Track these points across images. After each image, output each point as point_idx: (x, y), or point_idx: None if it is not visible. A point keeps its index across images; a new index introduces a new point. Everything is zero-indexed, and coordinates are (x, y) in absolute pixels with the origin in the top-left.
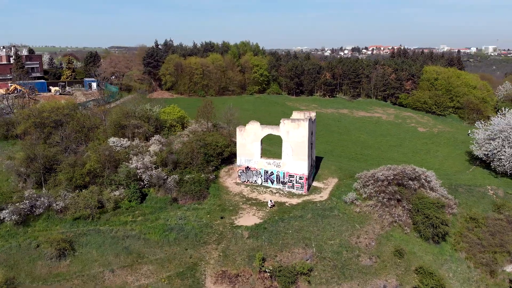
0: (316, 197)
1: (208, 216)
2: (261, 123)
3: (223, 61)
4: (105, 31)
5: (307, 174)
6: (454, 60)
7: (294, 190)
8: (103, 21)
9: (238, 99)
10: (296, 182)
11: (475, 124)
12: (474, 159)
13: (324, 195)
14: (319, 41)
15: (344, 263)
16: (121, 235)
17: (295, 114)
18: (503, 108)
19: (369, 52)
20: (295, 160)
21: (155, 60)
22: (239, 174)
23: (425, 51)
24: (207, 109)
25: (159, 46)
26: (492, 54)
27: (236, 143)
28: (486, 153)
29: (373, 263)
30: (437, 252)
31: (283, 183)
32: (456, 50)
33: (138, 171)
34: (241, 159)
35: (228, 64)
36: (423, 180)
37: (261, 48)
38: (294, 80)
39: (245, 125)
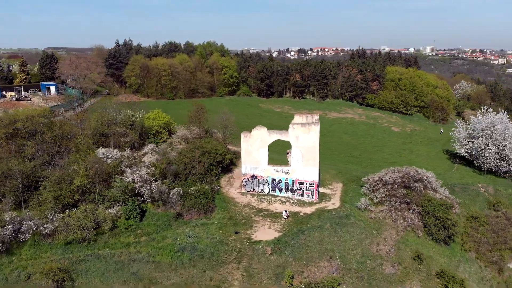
0: (328, 205)
1: (221, 231)
2: (241, 126)
3: (191, 62)
4: (37, 31)
5: (317, 181)
6: (411, 61)
7: (304, 198)
8: (36, 21)
9: (209, 102)
10: (306, 190)
11: (455, 123)
12: (454, 157)
13: (336, 202)
14: (265, 42)
15: (369, 273)
16: (126, 259)
17: (297, 118)
18: (481, 108)
19: (314, 54)
20: (305, 166)
21: (118, 61)
22: (244, 183)
23: (367, 51)
24: (199, 113)
25: (120, 47)
26: (430, 54)
27: (232, 150)
28: (470, 151)
29: (396, 270)
30: (449, 254)
31: (292, 191)
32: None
33: (136, 185)
34: (246, 167)
35: (197, 65)
36: (426, 182)
37: (226, 49)
38: (265, 82)
39: (250, 131)
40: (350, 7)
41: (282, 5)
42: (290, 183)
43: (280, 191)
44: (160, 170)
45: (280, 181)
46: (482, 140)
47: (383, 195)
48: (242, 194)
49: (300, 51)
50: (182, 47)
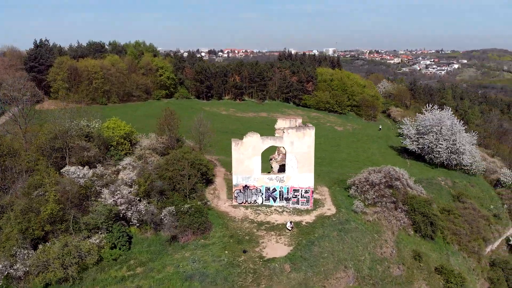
0: (325, 211)
1: (227, 252)
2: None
3: (123, 63)
4: None
5: (313, 187)
6: (335, 62)
7: (299, 206)
8: None
9: (146, 106)
10: (301, 197)
11: (403, 120)
12: (401, 152)
13: (330, 207)
14: (173, 43)
15: (380, 278)
16: None
17: (281, 122)
18: (426, 105)
19: (225, 55)
20: (300, 172)
21: (39, 63)
22: (235, 195)
23: (275, 54)
24: (169, 120)
25: (39, 48)
26: (332, 55)
27: (208, 160)
28: (422, 146)
29: (402, 271)
30: (437, 248)
31: (287, 199)
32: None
33: (120, 207)
34: (238, 178)
35: (130, 67)
36: (403, 179)
37: (156, 49)
38: (205, 83)
39: (241, 138)
40: (249, 10)
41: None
42: (285, 191)
43: (275, 200)
44: (144, 188)
45: (274, 190)
46: (433, 136)
47: (374, 196)
48: (234, 207)
49: (211, 52)
50: (107, 47)
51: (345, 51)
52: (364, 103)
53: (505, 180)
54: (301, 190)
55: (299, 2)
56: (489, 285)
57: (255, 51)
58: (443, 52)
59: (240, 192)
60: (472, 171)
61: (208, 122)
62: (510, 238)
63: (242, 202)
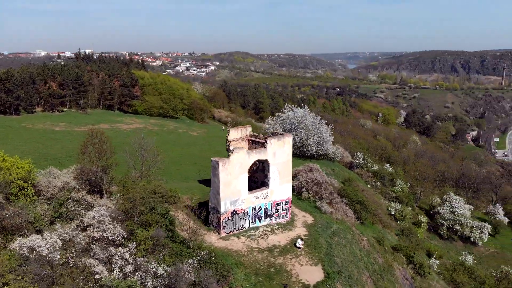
0: (303, 219)
1: None
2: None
3: None
4: None
5: (291, 197)
6: (140, 65)
7: (280, 220)
8: None
9: None
10: (282, 210)
11: (268, 120)
12: None
13: (298, 213)
14: None
15: (379, 270)
16: None
17: (233, 133)
18: (292, 105)
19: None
20: (281, 184)
21: None
22: (224, 224)
23: (22, 55)
24: (99, 144)
25: None
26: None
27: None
28: (294, 142)
29: (380, 258)
30: (373, 230)
31: (271, 216)
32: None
33: (136, 278)
34: (226, 203)
35: None
36: (323, 174)
37: None
38: (14, 94)
39: (228, 157)
40: None
41: None
42: (269, 207)
43: (260, 220)
44: (150, 243)
45: (260, 208)
46: (303, 132)
47: (327, 194)
48: (225, 238)
49: None
50: None
51: (101, 53)
52: (196, 106)
53: (358, 162)
54: (282, 203)
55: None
56: None
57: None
58: (195, 54)
59: (229, 219)
60: (334, 158)
61: (152, 140)
62: (389, 209)
63: (231, 231)
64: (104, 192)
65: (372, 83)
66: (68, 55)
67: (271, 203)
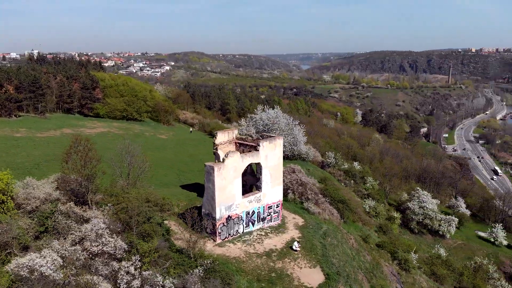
0: (293, 221)
1: None
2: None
3: None
4: None
5: (282, 199)
6: (97, 66)
7: (272, 223)
8: None
9: None
10: (274, 213)
11: (241, 121)
12: None
13: (287, 215)
14: None
15: (370, 268)
16: None
17: (221, 136)
18: (261, 106)
19: None
20: (273, 187)
21: None
22: (219, 230)
23: None
24: (84, 151)
25: None
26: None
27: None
28: None
29: (368, 256)
30: (355, 228)
31: (263, 219)
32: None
33: None
34: (221, 209)
35: None
36: (304, 173)
37: None
38: None
39: (222, 161)
40: None
41: None
42: (262, 211)
43: (253, 224)
44: (155, 255)
45: (253, 212)
46: (277, 132)
47: (312, 196)
48: (220, 245)
49: None
50: None
51: (51, 53)
52: (161, 108)
53: (330, 161)
54: (274, 206)
55: None
56: None
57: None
58: (148, 54)
59: (224, 225)
60: (307, 158)
61: (137, 146)
62: (364, 206)
63: (226, 237)
64: (89, 202)
65: (327, 83)
66: (14, 57)
67: (264, 207)
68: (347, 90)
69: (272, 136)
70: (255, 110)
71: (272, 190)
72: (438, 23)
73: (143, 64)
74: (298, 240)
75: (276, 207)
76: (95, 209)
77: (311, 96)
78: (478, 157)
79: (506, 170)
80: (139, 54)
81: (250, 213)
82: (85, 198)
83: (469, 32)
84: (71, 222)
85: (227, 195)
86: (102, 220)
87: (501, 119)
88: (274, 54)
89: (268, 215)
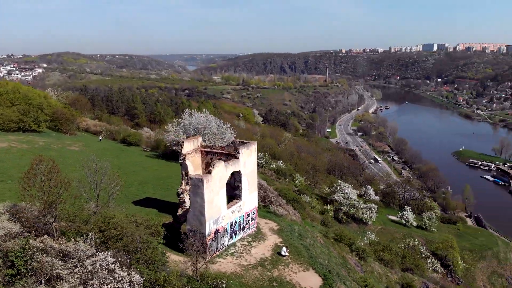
0: (267, 226)
1: None
2: None
3: None
4: None
5: (257, 205)
6: None
7: (250, 231)
8: None
9: None
10: (251, 220)
11: (168, 127)
12: (166, 157)
13: (260, 220)
14: None
15: (343, 262)
16: None
17: (187, 145)
18: (189, 110)
19: None
20: (250, 194)
21: None
22: (209, 245)
23: None
24: (48, 174)
25: None
26: None
27: None
28: None
29: (335, 251)
30: (309, 225)
31: (243, 228)
32: None
33: None
34: (210, 224)
35: None
36: None
37: None
38: None
39: (209, 173)
40: None
41: None
42: (242, 220)
43: (235, 234)
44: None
45: (235, 222)
46: (210, 136)
47: (274, 197)
48: (211, 262)
49: None
50: None
51: None
52: (62, 116)
53: (260, 161)
54: (251, 213)
55: None
56: None
57: None
58: (15, 56)
59: (213, 240)
60: None
61: (107, 164)
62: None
63: (214, 253)
64: (54, 232)
65: (218, 84)
66: None
67: (243, 215)
68: (238, 91)
69: (248, 142)
70: (182, 114)
71: (249, 197)
72: (313, 27)
73: (11, 67)
74: (284, 245)
75: (253, 214)
76: (74, 240)
77: (204, 97)
78: (357, 147)
79: (384, 157)
80: (4, 56)
81: (233, 223)
82: (49, 228)
83: (339, 35)
84: (51, 259)
85: (213, 208)
86: (110, 253)
87: (373, 113)
88: (157, 54)
89: (246, 223)
